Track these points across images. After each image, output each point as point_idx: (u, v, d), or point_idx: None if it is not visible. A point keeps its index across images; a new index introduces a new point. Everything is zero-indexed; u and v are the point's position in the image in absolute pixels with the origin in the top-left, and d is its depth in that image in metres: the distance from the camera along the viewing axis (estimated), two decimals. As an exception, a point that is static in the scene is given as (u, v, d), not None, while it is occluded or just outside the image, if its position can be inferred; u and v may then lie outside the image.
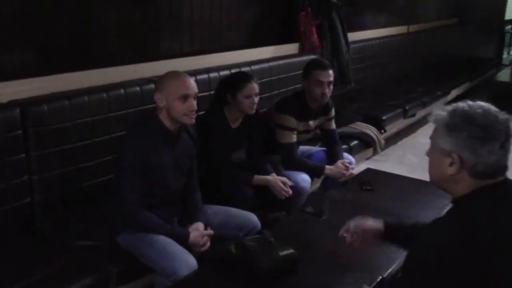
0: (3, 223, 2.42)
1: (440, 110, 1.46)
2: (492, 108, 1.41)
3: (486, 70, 8.13)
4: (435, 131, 1.48)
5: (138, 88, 2.94)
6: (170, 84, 2.25)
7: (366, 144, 4.17)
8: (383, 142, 4.33)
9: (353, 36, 5.11)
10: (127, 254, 2.29)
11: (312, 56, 4.10)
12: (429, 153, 1.52)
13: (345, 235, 2.04)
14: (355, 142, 4.05)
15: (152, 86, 2.98)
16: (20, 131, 2.43)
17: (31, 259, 2.25)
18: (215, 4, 3.80)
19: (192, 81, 2.30)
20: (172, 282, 2.11)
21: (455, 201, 1.45)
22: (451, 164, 1.40)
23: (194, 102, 2.28)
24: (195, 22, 3.64)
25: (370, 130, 4.26)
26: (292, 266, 2.10)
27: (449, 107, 1.45)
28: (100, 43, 3.07)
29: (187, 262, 2.16)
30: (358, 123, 4.35)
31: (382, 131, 4.44)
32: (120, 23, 3.13)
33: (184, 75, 2.32)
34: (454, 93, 6.60)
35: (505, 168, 1.38)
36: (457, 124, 1.38)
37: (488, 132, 1.34)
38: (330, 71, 3.13)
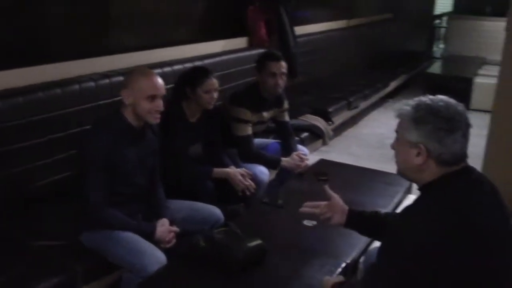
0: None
1: (404, 105, 1.56)
2: (452, 100, 1.53)
3: (419, 63, 8.53)
4: (400, 124, 1.57)
5: (93, 83, 2.88)
6: (139, 82, 2.24)
7: (315, 135, 4.30)
8: (331, 133, 4.48)
9: (298, 30, 5.21)
10: (91, 253, 2.27)
11: (261, 50, 4.16)
12: (395, 146, 1.62)
13: (316, 211, 2.07)
14: (306, 134, 4.17)
15: (107, 80, 2.95)
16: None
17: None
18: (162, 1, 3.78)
19: (161, 81, 2.30)
20: (141, 278, 2.11)
21: (422, 188, 1.55)
22: (418, 154, 1.50)
23: (161, 102, 2.28)
24: (147, 16, 3.60)
25: (318, 122, 4.39)
26: (261, 257, 2.15)
27: (413, 102, 1.56)
28: (51, 38, 2.97)
29: (157, 257, 2.17)
30: (307, 115, 4.47)
31: (330, 122, 4.59)
32: (72, 18, 3.04)
33: (154, 74, 2.31)
34: (393, 85, 6.89)
35: (465, 155, 1.51)
36: (422, 117, 1.49)
37: (451, 123, 1.46)
38: (283, 63, 3.22)
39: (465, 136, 1.48)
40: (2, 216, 2.45)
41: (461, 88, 6.54)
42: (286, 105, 3.45)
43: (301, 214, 2.19)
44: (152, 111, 2.27)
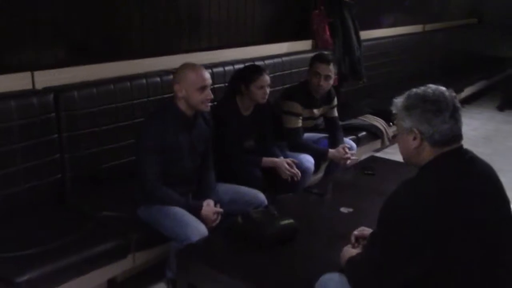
0: (38, 196, 2.72)
1: (397, 98, 1.71)
2: (441, 87, 1.66)
3: (502, 70, 8.20)
4: (397, 116, 1.71)
5: (158, 79, 3.22)
6: (190, 76, 2.53)
7: (374, 135, 4.38)
8: (391, 134, 4.53)
9: (366, 34, 5.32)
10: (146, 225, 2.57)
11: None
12: (397, 138, 1.76)
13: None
14: (363, 133, 4.26)
15: (167, 77, 3.24)
16: (53, 114, 2.74)
17: (63, 226, 2.54)
18: (232, 2, 4.07)
19: (207, 72, 2.58)
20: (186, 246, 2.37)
21: (420, 168, 1.68)
22: (414, 138, 1.64)
23: (210, 91, 2.56)
24: (213, 20, 3.92)
25: (378, 122, 4.46)
26: (292, 235, 2.34)
27: (405, 94, 1.69)
28: (126, 38, 3.36)
29: (199, 229, 2.43)
30: (367, 115, 4.56)
31: (390, 123, 4.63)
32: (146, 21, 3.43)
33: (200, 67, 2.60)
34: (468, 91, 6.72)
35: (458, 136, 1.62)
36: (412, 104, 1.64)
37: (437, 105, 1.59)
38: (330, 66, 3.39)
39: (454, 117, 1.60)
40: (74, 191, 2.84)
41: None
42: (335, 102, 3.61)
43: (339, 201, 2.31)
44: (204, 100, 2.55)
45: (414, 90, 1.67)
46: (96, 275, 2.43)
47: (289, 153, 3.32)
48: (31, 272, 2.16)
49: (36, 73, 2.82)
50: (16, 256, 2.24)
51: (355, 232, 2.10)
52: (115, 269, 2.52)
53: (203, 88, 2.54)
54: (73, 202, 2.79)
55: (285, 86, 4.13)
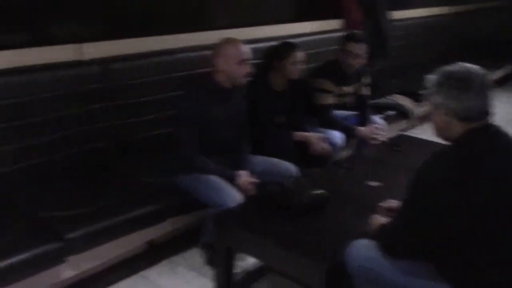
0: (84, 163, 2.90)
1: (431, 75, 1.79)
2: (471, 65, 1.74)
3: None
4: (429, 93, 1.80)
5: (197, 53, 3.36)
6: (230, 50, 2.66)
7: (401, 115, 4.45)
8: (418, 114, 4.58)
9: (396, 14, 5.34)
10: (183, 192, 2.70)
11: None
12: (430, 114, 1.84)
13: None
14: (391, 112, 4.34)
15: (204, 52, 3.34)
16: (101, 85, 2.91)
17: (107, 190, 2.72)
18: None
19: (247, 47, 2.70)
20: (222, 212, 2.51)
21: (451, 143, 1.78)
22: (445, 114, 1.72)
23: (249, 65, 2.69)
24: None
25: (406, 101, 4.52)
26: (323, 204, 2.46)
27: (437, 70, 1.78)
28: (164, 14, 3.50)
29: (235, 196, 2.56)
30: (395, 95, 4.62)
31: (418, 103, 4.68)
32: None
33: (240, 42, 2.72)
34: (498, 73, 6.68)
35: (486, 113, 1.71)
36: (442, 81, 1.73)
37: (465, 82, 1.68)
38: (362, 45, 3.46)
39: (481, 93, 1.68)
40: (117, 158, 3.01)
41: None
42: (367, 80, 3.69)
43: (367, 175, 2.40)
44: (243, 74, 2.68)
45: (445, 67, 1.75)
46: (137, 237, 2.61)
47: (319, 129, 3.43)
48: (79, 230, 2.35)
49: (84, 45, 2.97)
50: (66, 215, 2.43)
51: (382, 204, 2.21)
52: (153, 232, 2.70)
53: (242, 61, 2.66)
54: (115, 169, 2.96)
55: (314, 65, 4.22)
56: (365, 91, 3.72)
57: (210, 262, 2.70)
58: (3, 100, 2.60)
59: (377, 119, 3.76)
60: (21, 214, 2.45)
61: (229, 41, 2.72)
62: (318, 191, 2.48)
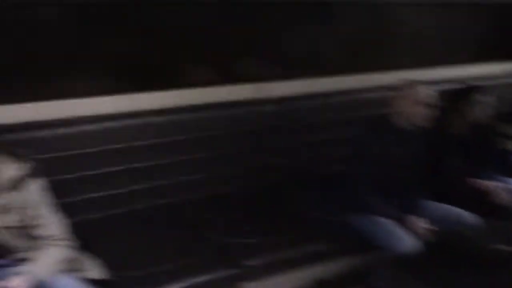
0: (259, 195, 3.05)
1: None
2: None
3: None
4: None
5: (375, 94, 3.41)
6: (410, 92, 2.65)
7: None
8: None
9: None
10: (356, 232, 2.68)
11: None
12: None
13: None
14: None
15: (385, 93, 3.34)
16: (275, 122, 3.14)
17: (278, 224, 2.80)
18: (443, 21, 4.03)
19: (429, 89, 2.67)
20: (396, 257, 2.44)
21: None
22: None
23: (430, 109, 2.65)
24: (425, 38, 3.93)
25: None
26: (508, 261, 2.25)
27: None
28: (343, 55, 3.61)
29: (409, 242, 2.49)
30: None
31: None
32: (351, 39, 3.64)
33: (422, 84, 2.70)
34: None
35: None
36: None
37: None
38: None
39: None
40: (289, 191, 3.12)
41: None
42: None
43: None
44: (423, 116, 2.64)
45: None
46: (305, 273, 2.65)
47: (499, 177, 3.18)
48: (256, 258, 2.48)
49: (261, 84, 3.19)
50: (243, 243, 2.56)
51: None
52: (323, 270, 2.71)
53: (422, 103, 2.62)
54: (288, 203, 3.03)
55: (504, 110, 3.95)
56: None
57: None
58: (197, 132, 2.92)
59: None
60: (206, 239, 2.63)
61: (414, 83, 2.71)
62: (503, 247, 2.29)
